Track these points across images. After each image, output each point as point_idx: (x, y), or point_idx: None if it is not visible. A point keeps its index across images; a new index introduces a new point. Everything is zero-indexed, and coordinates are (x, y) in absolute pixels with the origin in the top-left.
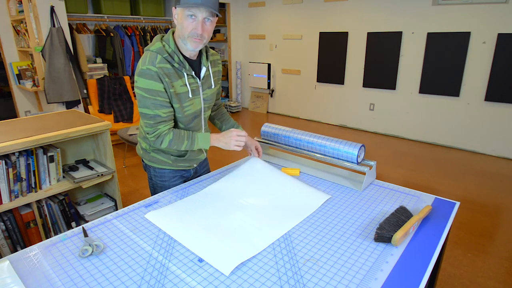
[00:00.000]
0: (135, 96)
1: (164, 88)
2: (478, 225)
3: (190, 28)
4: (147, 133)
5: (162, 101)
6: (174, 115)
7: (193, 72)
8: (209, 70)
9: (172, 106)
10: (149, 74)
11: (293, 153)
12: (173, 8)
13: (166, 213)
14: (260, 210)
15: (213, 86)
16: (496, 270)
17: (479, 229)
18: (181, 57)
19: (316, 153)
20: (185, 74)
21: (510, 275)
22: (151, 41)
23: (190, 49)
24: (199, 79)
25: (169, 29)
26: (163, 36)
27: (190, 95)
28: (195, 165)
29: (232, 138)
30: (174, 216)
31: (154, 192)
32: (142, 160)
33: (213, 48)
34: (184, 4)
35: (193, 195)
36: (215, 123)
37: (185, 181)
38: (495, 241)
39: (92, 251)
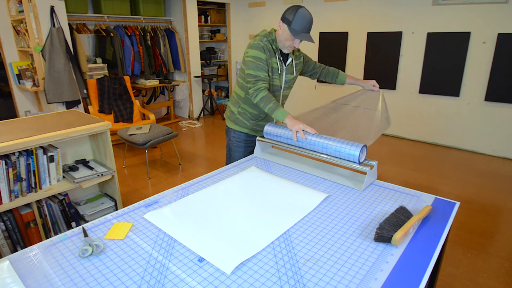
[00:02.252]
0: (135, 96)
1: (267, 60)
2: (478, 225)
3: (290, 43)
4: (249, 88)
5: (263, 66)
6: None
7: (281, 58)
8: (293, 62)
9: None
10: (257, 46)
11: (295, 153)
12: (280, 21)
13: (166, 213)
14: (260, 210)
15: (294, 74)
16: (496, 270)
17: (479, 229)
18: (276, 45)
19: (318, 152)
20: (277, 56)
21: (510, 275)
22: (151, 42)
23: (285, 51)
24: (285, 65)
25: (169, 29)
26: (268, 32)
27: (279, 71)
28: None
29: (298, 129)
30: (174, 216)
31: (229, 153)
32: (226, 125)
33: (213, 48)
34: (295, 34)
35: (192, 195)
36: (330, 81)
37: (251, 150)
38: (495, 241)
39: (92, 251)
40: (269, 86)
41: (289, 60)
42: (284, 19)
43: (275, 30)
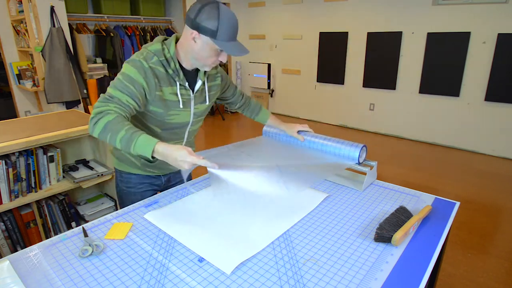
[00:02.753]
0: None
1: (144, 87)
2: (478, 225)
3: (214, 60)
4: (95, 107)
5: (132, 91)
6: (149, 119)
7: (187, 84)
8: (204, 85)
9: (139, 106)
10: (138, 66)
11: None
12: (194, 32)
13: (166, 213)
14: (260, 209)
15: (207, 102)
16: (496, 270)
17: (479, 229)
18: (177, 65)
19: (317, 153)
20: (177, 83)
21: (510, 275)
22: (151, 41)
23: (204, 69)
24: (193, 92)
25: (169, 29)
26: (165, 39)
27: (181, 106)
28: (167, 172)
29: (187, 158)
30: (174, 216)
31: (120, 200)
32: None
33: None
34: (225, 46)
35: (192, 195)
36: (249, 116)
37: (155, 190)
38: (495, 241)
39: (92, 251)
40: (160, 123)
41: (198, 83)
42: (201, 28)
43: (177, 39)
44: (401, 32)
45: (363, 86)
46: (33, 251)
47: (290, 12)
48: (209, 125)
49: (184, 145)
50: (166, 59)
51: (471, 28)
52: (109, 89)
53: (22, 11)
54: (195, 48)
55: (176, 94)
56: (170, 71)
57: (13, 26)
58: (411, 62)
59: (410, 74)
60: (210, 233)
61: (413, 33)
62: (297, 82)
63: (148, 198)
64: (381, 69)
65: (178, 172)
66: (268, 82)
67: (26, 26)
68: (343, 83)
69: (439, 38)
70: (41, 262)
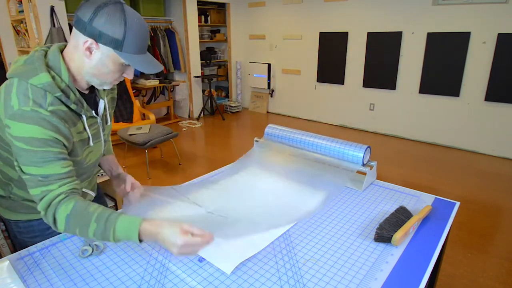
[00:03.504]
0: (135, 96)
1: (57, 137)
2: (478, 225)
3: (118, 76)
4: (34, 199)
5: (56, 152)
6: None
7: (92, 111)
8: (105, 105)
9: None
10: (33, 118)
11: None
12: (92, 41)
13: (165, 214)
14: (260, 209)
15: (109, 122)
16: (496, 270)
17: (479, 229)
18: (77, 94)
19: (320, 154)
20: (83, 116)
21: (510, 275)
22: (151, 41)
23: (103, 88)
24: (99, 116)
25: (169, 29)
26: (45, 56)
27: (92, 143)
28: None
29: (182, 248)
30: (173, 217)
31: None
32: None
33: (213, 48)
34: (133, 60)
35: (192, 194)
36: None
37: None
38: (495, 241)
39: (92, 251)
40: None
41: (101, 104)
42: (100, 36)
43: (61, 51)
44: (401, 32)
45: (363, 86)
46: (33, 251)
47: (290, 12)
48: (209, 125)
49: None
50: (63, 92)
51: (471, 28)
52: (29, 169)
53: (22, 11)
54: (91, 62)
55: (85, 130)
56: (73, 106)
57: (13, 26)
58: (411, 62)
59: (410, 74)
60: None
61: (413, 33)
62: (297, 82)
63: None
64: (381, 69)
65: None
66: (268, 82)
67: (26, 26)
68: (343, 83)
69: (439, 38)
70: (41, 262)
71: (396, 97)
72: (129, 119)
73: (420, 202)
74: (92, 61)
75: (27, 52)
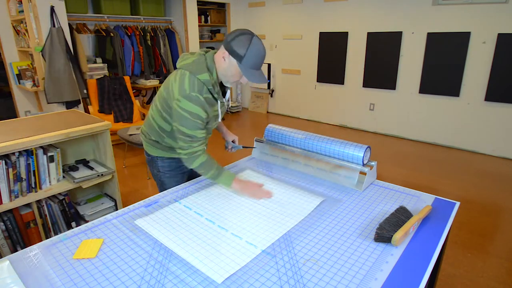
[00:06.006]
0: (135, 96)
1: (206, 117)
2: (478, 225)
3: (236, 80)
4: (181, 148)
5: (201, 124)
6: None
7: (221, 94)
8: (230, 93)
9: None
10: (197, 101)
11: (296, 154)
12: (226, 52)
13: (157, 219)
14: (254, 215)
15: (224, 105)
16: (496, 270)
17: (479, 229)
18: (218, 88)
19: (320, 154)
20: (219, 101)
21: (510, 275)
22: (151, 42)
23: (227, 85)
24: (225, 99)
25: (169, 29)
26: (206, 59)
27: (219, 119)
28: None
29: (257, 192)
30: (165, 223)
31: (161, 186)
32: (148, 155)
33: (213, 48)
34: (247, 73)
35: (185, 199)
36: None
37: (188, 175)
38: (495, 241)
39: None
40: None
41: (228, 94)
42: (232, 52)
43: (214, 55)
44: (401, 32)
45: (363, 86)
46: (33, 251)
47: (290, 12)
48: None
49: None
50: (213, 86)
51: (471, 28)
52: (183, 129)
53: (22, 11)
54: (224, 66)
55: (216, 110)
56: (216, 95)
57: (13, 26)
58: (411, 62)
59: (410, 74)
60: (203, 239)
61: (413, 33)
62: (297, 82)
63: (149, 198)
64: (381, 69)
65: None
66: (268, 82)
67: (26, 26)
68: (343, 83)
69: (439, 38)
70: (41, 262)
71: (396, 97)
72: (129, 119)
73: (420, 202)
74: (224, 65)
75: (27, 52)
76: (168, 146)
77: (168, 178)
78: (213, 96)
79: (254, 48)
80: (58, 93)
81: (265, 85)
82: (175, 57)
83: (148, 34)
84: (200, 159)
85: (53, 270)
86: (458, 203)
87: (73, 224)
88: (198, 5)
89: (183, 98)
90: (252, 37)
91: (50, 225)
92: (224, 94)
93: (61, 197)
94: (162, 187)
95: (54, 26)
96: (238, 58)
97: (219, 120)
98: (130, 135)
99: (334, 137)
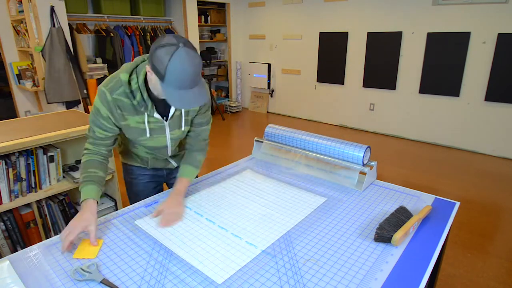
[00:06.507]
0: None
1: (110, 117)
2: (478, 225)
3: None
4: (89, 136)
5: (102, 124)
6: (129, 139)
7: (155, 113)
8: (180, 110)
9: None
10: (102, 97)
11: (296, 154)
12: (149, 67)
13: (157, 219)
14: (254, 215)
15: (182, 128)
16: (496, 270)
17: (479, 229)
18: (146, 95)
19: (320, 154)
20: (146, 113)
21: (510, 275)
22: (151, 42)
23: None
24: (166, 119)
25: (169, 29)
26: (143, 60)
27: (148, 135)
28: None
29: (80, 224)
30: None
31: (127, 191)
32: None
33: (213, 48)
34: (170, 96)
35: (185, 199)
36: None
37: (158, 182)
38: (495, 241)
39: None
40: (138, 144)
41: (172, 111)
42: (152, 67)
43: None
44: (401, 32)
45: (363, 86)
46: (33, 251)
47: (290, 12)
48: None
49: (173, 157)
50: (131, 91)
51: (471, 28)
52: (89, 120)
53: (22, 11)
54: (152, 80)
55: (144, 123)
56: (135, 102)
57: (13, 26)
58: (411, 62)
59: (410, 74)
60: (202, 241)
61: (413, 33)
62: (297, 82)
63: (149, 198)
64: (381, 69)
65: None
66: (268, 82)
67: (26, 26)
68: (343, 83)
69: (439, 38)
70: (41, 262)
71: (396, 97)
72: None
73: (420, 202)
74: (152, 80)
75: (27, 52)
76: (131, 156)
77: (129, 185)
78: (131, 101)
79: (172, 67)
80: (58, 93)
81: (265, 85)
82: None
83: (148, 34)
84: (84, 157)
85: (53, 270)
86: (458, 203)
87: None
88: (198, 5)
89: (97, 90)
90: (174, 51)
91: (50, 225)
92: (162, 109)
93: (61, 197)
94: (127, 192)
95: (54, 26)
96: (159, 75)
97: (147, 135)
98: None
99: (334, 137)
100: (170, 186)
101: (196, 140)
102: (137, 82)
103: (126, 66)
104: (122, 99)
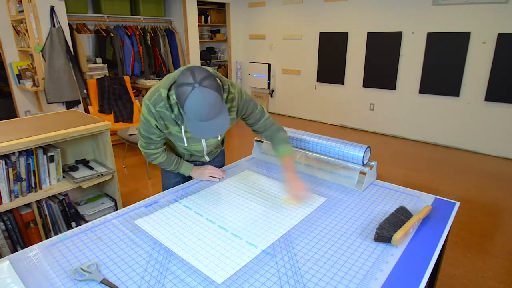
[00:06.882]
0: (135, 96)
1: (156, 125)
2: (478, 225)
3: None
4: (140, 146)
5: (153, 131)
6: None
7: None
8: None
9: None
10: (148, 110)
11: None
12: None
13: (157, 219)
14: (254, 215)
15: (218, 137)
16: (496, 270)
17: (479, 229)
18: (181, 110)
19: (320, 154)
20: (182, 126)
21: (510, 275)
22: (151, 42)
23: None
24: None
25: (169, 29)
26: (168, 89)
27: (186, 144)
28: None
29: (206, 172)
30: (165, 223)
31: (163, 183)
32: None
33: (213, 48)
34: (189, 125)
35: (185, 199)
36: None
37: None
38: (495, 241)
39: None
40: (170, 142)
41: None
42: (176, 89)
43: None
44: (401, 32)
45: (363, 86)
46: (33, 251)
47: (290, 12)
48: None
49: (207, 154)
50: (170, 105)
51: (471, 28)
52: (140, 129)
53: (22, 11)
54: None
55: (180, 131)
56: (173, 116)
57: (13, 26)
58: (411, 62)
59: (410, 74)
60: (202, 240)
61: (413, 33)
62: (297, 82)
63: (149, 198)
64: (381, 69)
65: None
66: (268, 82)
67: (26, 26)
68: (343, 83)
69: (439, 38)
70: (41, 262)
71: (396, 97)
72: (129, 119)
73: (420, 202)
74: None
75: (27, 52)
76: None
77: (165, 177)
78: (170, 115)
79: (189, 104)
80: (58, 93)
81: (265, 85)
82: (175, 57)
83: (148, 34)
84: (158, 160)
85: (53, 270)
86: (458, 203)
87: (73, 224)
88: (198, 5)
89: (143, 103)
90: (191, 91)
91: (50, 225)
92: None
93: (61, 197)
94: (163, 184)
95: (54, 26)
96: (181, 109)
97: (185, 144)
98: (130, 135)
99: (334, 137)
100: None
101: (266, 130)
102: (174, 99)
103: (165, 82)
104: (164, 111)
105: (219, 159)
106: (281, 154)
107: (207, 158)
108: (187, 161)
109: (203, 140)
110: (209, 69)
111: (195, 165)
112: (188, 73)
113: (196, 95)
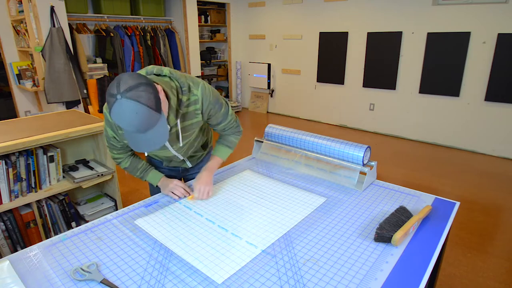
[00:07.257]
0: None
1: (115, 136)
2: (478, 225)
3: None
4: (109, 149)
5: (114, 141)
6: None
7: None
8: (177, 126)
9: None
10: (106, 119)
11: (296, 154)
12: None
13: (157, 219)
14: (254, 215)
15: (180, 144)
16: (496, 270)
17: (479, 229)
18: None
19: (320, 154)
20: None
21: (510, 275)
22: (151, 42)
23: None
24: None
25: (169, 29)
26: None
27: (146, 153)
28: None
29: (170, 185)
30: (165, 223)
31: (150, 187)
32: None
33: (213, 48)
34: (128, 137)
35: (185, 199)
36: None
37: (174, 177)
38: (495, 241)
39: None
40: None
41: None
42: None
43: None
44: (401, 32)
45: (363, 86)
46: (33, 251)
47: (290, 12)
48: None
49: (189, 159)
50: None
51: (471, 28)
52: (104, 132)
53: (22, 11)
54: None
55: None
56: None
57: (13, 26)
58: (411, 62)
59: (410, 74)
60: (202, 240)
61: (413, 33)
62: (297, 82)
63: (149, 198)
64: (381, 69)
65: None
66: (268, 82)
67: (26, 26)
68: (343, 83)
69: (439, 38)
70: (41, 262)
71: (396, 97)
72: None
73: (420, 202)
74: None
75: (27, 52)
76: None
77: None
78: None
79: (113, 117)
80: (58, 93)
81: (265, 85)
82: (175, 57)
83: (148, 34)
84: (122, 164)
85: (53, 270)
86: (458, 203)
87: (73, 224)
88: (198, 5)
89: (104, 108)
90: (113, 104)
91: (50, 225)
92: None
93: (61, 197)
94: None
95: (54, 26)
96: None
97: (145, 154)
98: None
99: (334, 137)
100: (186, 180)
101: (225, 131)
102: None
103: None
104: None
105: (203, 165)
106: (214, 153)
107: (189, 164)
108: (166, 166)
109: (168, 146)
110: (157, 74)
111: (178, 171)
112: (114, 83)
113: (118, 107)
